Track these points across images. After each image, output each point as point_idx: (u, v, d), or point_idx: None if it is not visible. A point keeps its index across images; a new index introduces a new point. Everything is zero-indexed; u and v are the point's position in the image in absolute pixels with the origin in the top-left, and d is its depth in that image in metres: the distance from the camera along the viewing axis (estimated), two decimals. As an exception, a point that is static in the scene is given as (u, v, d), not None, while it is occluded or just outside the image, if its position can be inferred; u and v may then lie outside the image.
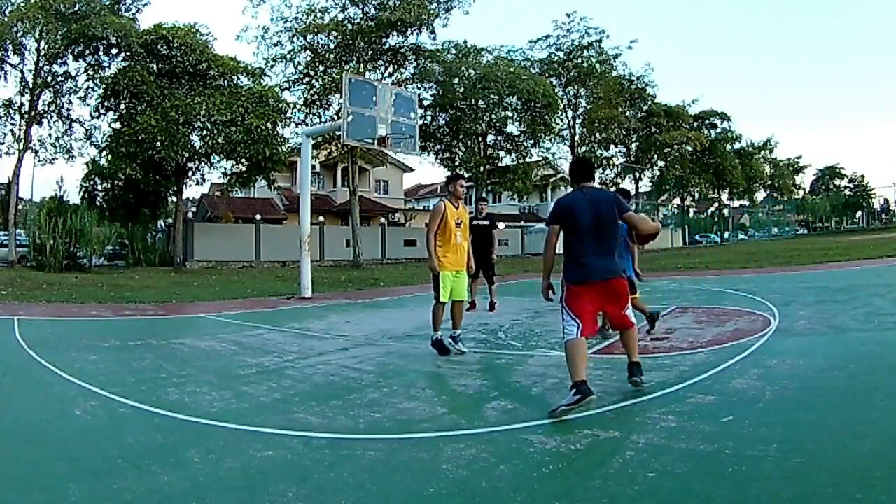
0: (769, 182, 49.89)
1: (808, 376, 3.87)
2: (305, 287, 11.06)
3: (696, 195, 43.97)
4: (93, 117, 20.53)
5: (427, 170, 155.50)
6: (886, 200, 68.25)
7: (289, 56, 22.71)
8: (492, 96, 25.76)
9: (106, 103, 19.80)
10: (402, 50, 23.38)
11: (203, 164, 21.24)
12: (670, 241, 42.48)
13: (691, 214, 53.56)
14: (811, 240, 36.23)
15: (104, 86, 19.43)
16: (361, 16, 22.08)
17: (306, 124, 22.47)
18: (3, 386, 4.12)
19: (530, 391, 3.87)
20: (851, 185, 62.15)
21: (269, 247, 23.43)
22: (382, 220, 31.28)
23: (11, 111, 19.29)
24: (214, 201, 30.46)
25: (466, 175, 23.27)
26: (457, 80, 25.93)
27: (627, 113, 33.53)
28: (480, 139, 28.10)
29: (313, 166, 27.19)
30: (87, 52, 19.21)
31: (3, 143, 19.39)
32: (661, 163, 37.88)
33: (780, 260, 16.51)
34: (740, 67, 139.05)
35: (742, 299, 8.18)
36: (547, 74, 30.10)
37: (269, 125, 19.84)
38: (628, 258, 5.31)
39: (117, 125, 19.58)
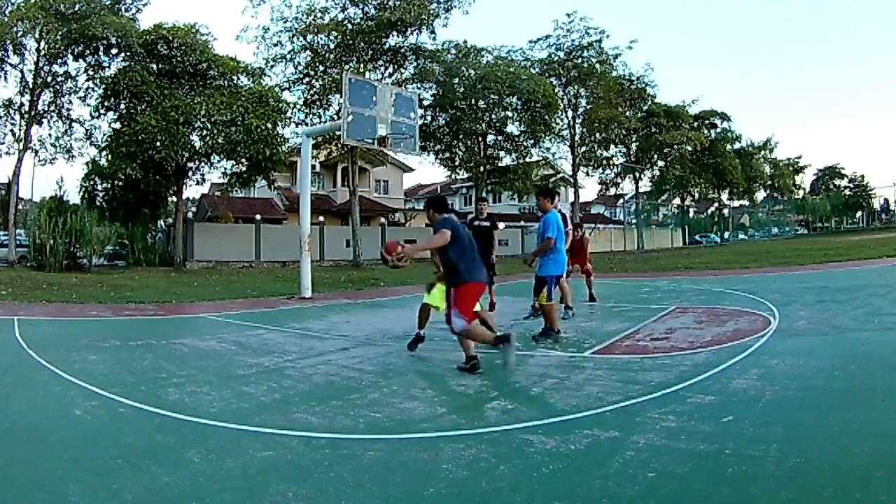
0: (769, 182, 49.89)
1: (808, 376, 3.88)
2: (305, 287, 11.05)
3: (696, 195, 43.97)
4: (93, 117, 20.57)
5: (427, 170, 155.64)
6: (886, 200, 68.35)
7: (289, 56, 22.72)
8: (492, 96, 25.74)
9: (106, 103, 19.81)
10: (402, 50, 23.38)
11: (203, 164, 21.25)
12: (670, 241, 42.53)
13: (691, 214, 53.58)
14: (811, 240, 36.25)
15: (104, 86, 19.44)
16: (361, 16, 22.09)
17: (306, 124, 22.48)
18: (3, 386, 4.12)
19: (530, 391, 3.87)
20: (851, 185, 62.19)
21: (269, 247, 23.44)
22: (382, 220, 31.29)
23: (11, 111, 19.31)
24: (214, 201, 30.46)
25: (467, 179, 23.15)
26: (457, 80, 25.92)
27: (627, 113, 33.51)
28: (480, 139, 28.09)
29: (313, 166, 27.18)
30: (87, 52, 19.20)
31: (3, 143, 19.43)
32: (661, 163, 37.87)
33: (780, 260, 16.52)
34: (740, 67, 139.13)
35: (742, 299, 8.18)
36: (547, 74, 30.08)
37: (269, 125, 19.85)
38: (546, 260, 5.69)
39: (117, 125, 19.59)
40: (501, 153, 29.48)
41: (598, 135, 33.58)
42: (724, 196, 46.40)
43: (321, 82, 22.39)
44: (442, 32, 48.05)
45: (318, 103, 22.96)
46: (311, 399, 3.75)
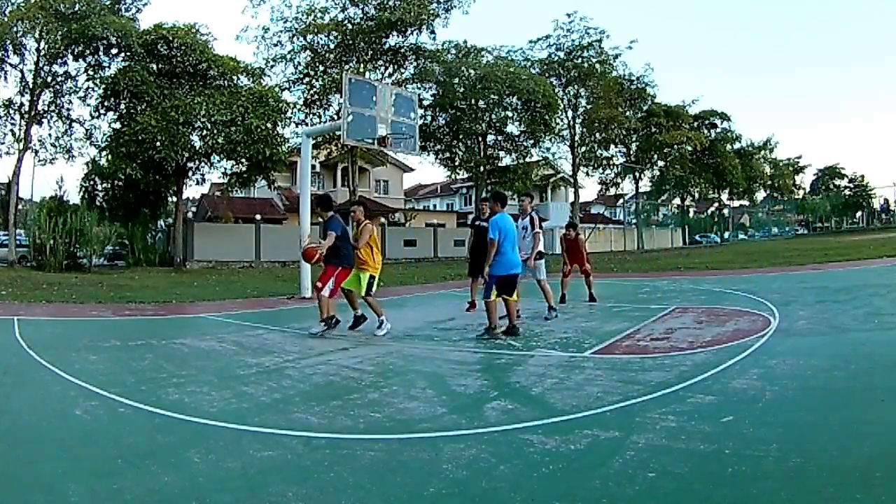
0: (769, 182, 49.91)
1: (808, 376, 3.87)
2: (305, 287, 11.04)
3: (696, 195, 43.99)
4: (93, 117, 20.59)
5: (427, 170, 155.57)
6: (886, 200, 68.38)
7: (289, 56, 22.74)
8: (492, 96, 25.75)
9: (106, 103, 19.82)
10: (402, 50, 23.40)
11: (203, 164, 21.26)
12: (670, 241, 42.53)
13: (691, 214, 53.59)
14: (811, 240, 36.25)
15: (104, 86, 19.45)
16: (361, 16, 22.10)
17: (306, 124, 22.48)
18: (3, 386, 4.12)
19: (530, 391, 3.86)
20: (851, 185, 62.21)
21: (269, 247, 23.43)
22: (382, 220, 31.29)
23: (11, 111, 19.33)
24: (214, 201, 30.45)
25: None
26: (457, 80, 25.94)
27: (627, 113, 33.52)
28: (480, 139, 28.10)
29: (313, 166, 27.18)
30: (87, 52, 19.21)
31: (3, 143, 19.45)
32: (661, 163, 37.88)
33: (780, 260, 16.52)
34: (740, 67, 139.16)
35: (742, 299, 8.18)
36: (547, 74, 30.10)
37: (269, 125, 19.86)
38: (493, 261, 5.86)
39: (117, 125, 19.60)
40: (501, 153, 29.51)
41: (598, 135, 33.59)
42: (724, 196, 46.44)
43: (321, 82, 22.41)
44: (442, 32, 48.15)
45: (318, 103, 22.97)
46: (311, 399, 3.75)
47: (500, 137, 28.86)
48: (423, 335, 6.23)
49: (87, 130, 20.89)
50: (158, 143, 18.14)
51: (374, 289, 6.60)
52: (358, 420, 3.26)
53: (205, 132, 19.48)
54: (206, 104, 18.59)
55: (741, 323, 6.09)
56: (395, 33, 22.39)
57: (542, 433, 2.93)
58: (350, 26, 22.07)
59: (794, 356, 4.43)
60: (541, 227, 7.31)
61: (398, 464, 2.59)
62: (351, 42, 22.17)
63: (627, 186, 38.83)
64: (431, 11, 22.15)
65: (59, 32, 18.08)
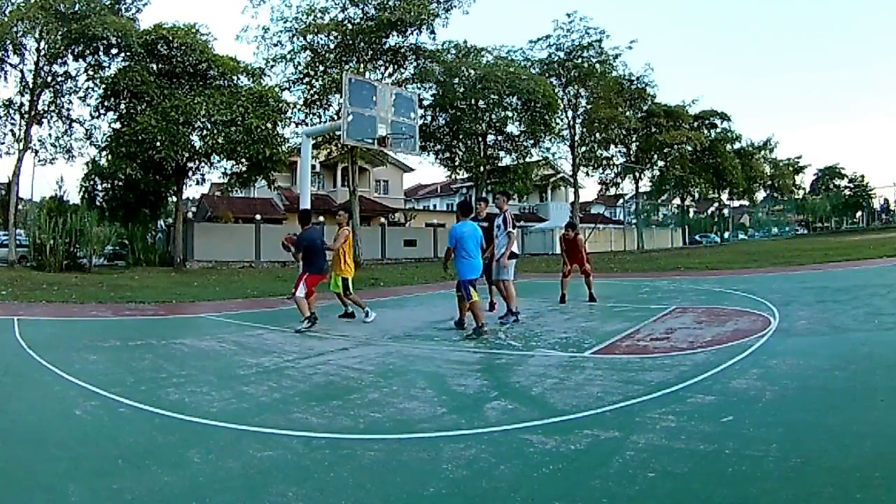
0: (769, 182, 49.86)
1: (808, 376, 3.88)
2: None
3: (696, 195, 43.93)
4: (93, 117, 20.57)
5: (427, 170, 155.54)
6: (886, 200, 68.35)
7: (289, 56, 22.71)
8: (492, 96, 25.72)
9: (106, 103, 19.81)
10: (402, 50, 23.37)
11: (203, 164, 21.24)
12: (670, 241, 42.52)
13: (691, 214, 53.58)
14: (811, 240, 36.24)
15: (104, 86, 19.44)
16: (361, 16, 22.08)
17: (306, 124, 22.46)
18: (3, 386, 4.12)
19: (530, 391, 3.86)
20: (851, 185, 62.20)
21: (269, 247, 23.40)
22: (382, 220, 31.30)
23: (11, 111, 19.31)
24: (214, 201, 30.46)
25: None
26: (457, 80, 25.90)
27: (627, 113, 33.46)
28: (480, 139, 28.08)
29: (313, 166, 27.19)
30: (87, 52, 19.19)
31: (3, 143, 19.43)
32: (661, 163, 37.83)
33: (780, 260, 16.51)
34: (740, 67, 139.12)
35: (742, 299, 8.17)
36: (547, 74, 30.05)
37: (269, 125, 19.85)
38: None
39: (117, 125, 19.59)
40: (501, 153, 29.48)
41: (598, 135, 33.55)
42: (724, 196, 46.39)
43: (321, 82, 22.38)
44: (442, 32, 48.22)
45: (318, 103, 22.94)
46: (311, 399, 3.76)
47: (500, 137, 28.84)
48: (423, 335, 6.23)
49: (87, 130, 20.89)
50: (158, 143, 18.13)
51: (351, 288, 7.62)
52: (358, 420, 3.26)
53: (205, 132, 19.47)
54: (206, 104, 18.59)
55: (741, 323, 6.09)
56: (395, 33, 22.36)
57: (542, 433, 2.93)
58: (350, 26, 22.05)
59: (794, 356, 4.43)
60: (514, 228, 7.08)
61: (398, 464, 2.59)
62: (351, 42, 22.16)
63: (627, 186, 38.80)
64: (431, 11, 22.13)
65: (59, 32, 18.07)
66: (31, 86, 19.04)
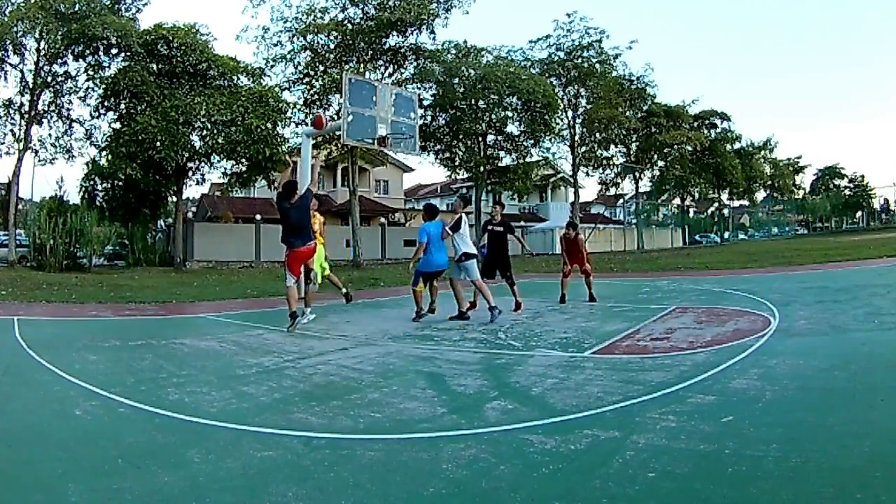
0: (769, 182, 49.84)
1: (808, 376, 3.87)
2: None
3: (696, 195, 43.95)
4: (93, 117, 20.59)
5: (427, 170, 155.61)
6: (886, 200, 68.39)
7: (289, 56, 22.70)
8: (492, 96, 25.72)
9: (106, 103, 19.82)
10: (402, 50, 23.37)
11: (203, 164, 21.26)
12: (670, 241, 42.52)
13: (691, 214, 53.57)
14: (811, 240, 36.25)
15: (104, 86, 19.45)
16: (361, 16, 22.08)
17: (306, 124, 22.46)
18: (3, 386, 4.12)
19: (530, 391, 3.86)
20: (851, 185, 62.26)
21: (269, 247, 23.41)
22: (382, 220, 31.30)
23: (11, 111, 19.33)
24: (214, 201, 30.47)
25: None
26: (457, 80, 25.89)
27: (627, 113, 33.45)
28: (480, 139, 28.07)
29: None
30: (87, 52, 19.21)
31: (3, 143, 19.45)
32: (661, 163, 37.84)
33: (780, 260, 16.51)
34: (740, 67, 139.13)
35: (742, 299, 8.17)
36: (547, 74, 30.05)
37: (269, 125, 19.86)
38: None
39: (117, 125, 19.61)
40: (501, 153, 29.46)
41: (598, 135, 33.55)
42: (724, 196, 46.40)
43: (321, 82, 22.38)
44: (442, 32, 48.17)
45: (318, 103, 22.93)
46: (311, 399, 3.75)
47: (500, 137, 28.83)
48: (423, 335, 6.23)
49: (87, 130, 20.91)
50: (158, 143, 18.14)
51: (328, 269, 8.08)
52: (358, 420, 3.26)
53: (205, 132, 19.49)
54: (206, 104, 18.59)
55: (741, 323, 6.08)
56: (395, 33, 22.36)
57: (542, 433, 2.92)
58: (350, 26, 22.05)
59: (794, 356, 4.43)
60: (458, 231, 7.44)
61: (398, 464, 2.59)
62: (351, 42, 22.15)
63: (627, 186, 38.82)
64: (431, 11, 22.13)
65: (59, 32, 18.07)
66: (31, 86, 19.05)
